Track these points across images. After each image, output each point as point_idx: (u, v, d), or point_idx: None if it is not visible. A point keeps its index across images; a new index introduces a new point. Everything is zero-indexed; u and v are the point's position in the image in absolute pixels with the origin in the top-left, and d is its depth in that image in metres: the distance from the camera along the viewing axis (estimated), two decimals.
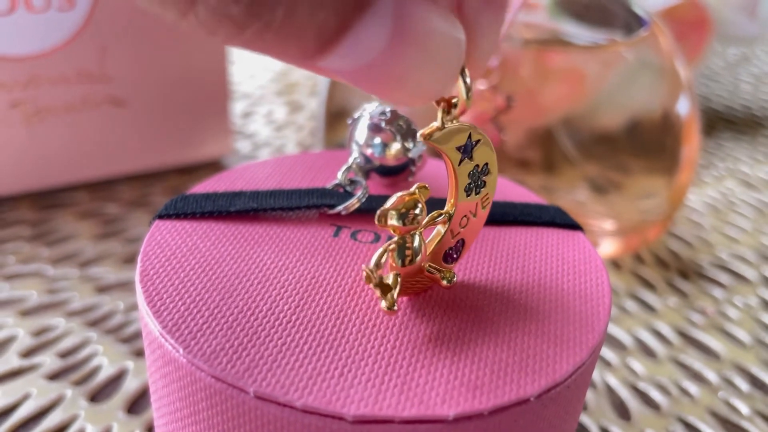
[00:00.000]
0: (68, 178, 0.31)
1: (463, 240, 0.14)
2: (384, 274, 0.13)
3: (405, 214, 0.13)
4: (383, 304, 0.13)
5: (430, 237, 0.14)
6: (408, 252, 0.13)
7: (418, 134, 0.12)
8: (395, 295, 0.13)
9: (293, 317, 0.13)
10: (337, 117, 0.32)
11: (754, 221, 0.35)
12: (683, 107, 0.28)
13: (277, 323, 0.13)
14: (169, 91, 0.31)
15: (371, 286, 0.13)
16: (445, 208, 0.14)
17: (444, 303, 0.14)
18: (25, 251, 0.28)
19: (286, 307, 0.14)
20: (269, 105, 0.44)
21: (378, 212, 0.13)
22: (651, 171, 0.29)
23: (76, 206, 0.31)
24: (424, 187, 0.13)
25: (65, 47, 0.28)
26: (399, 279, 0.13)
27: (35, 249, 0.28)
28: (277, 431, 0.12)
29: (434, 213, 0.14)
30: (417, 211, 0.13)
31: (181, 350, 0.12)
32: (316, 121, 0.33)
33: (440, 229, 0.14)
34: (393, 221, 0.13)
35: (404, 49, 0.09)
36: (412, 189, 0.13)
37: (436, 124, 0.12)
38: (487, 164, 0.14)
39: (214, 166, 0.35)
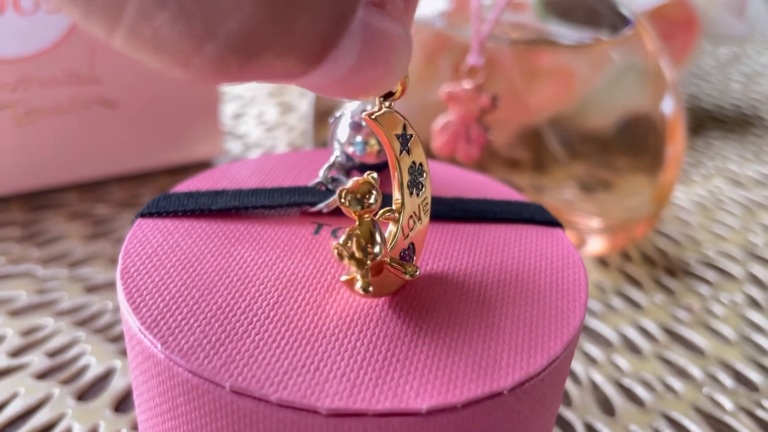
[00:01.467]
0: (58, 179, 0.31)
1: (413, 245, 0.15)
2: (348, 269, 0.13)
3: (361, 199, 0.13)
4: (358, 285, 0.13)
5: (386, 234, 0.14)
6: (369, 249, 0.13)
7: (363, 114, 0.13)
8: (368, 276, 0.13)
9: (271, 313, 0.14)
10: (325, 116, 0.32)
11: (741, 219, 0.35)
12: (668, 106, 0.29)
13: (255, 319, 0.13)
14: (159, 92, 0.31)
15: (345, 261, 0.13)
16: (393, 205, 0.14)
17: (421, 299, 0.14)
18: (15, 252, 0.28)
19: (264, 304, 0.14)
20: (260, 106, 0.44)
21: (339, 192, 0.13)
22: (637, 170, 0.29)
23: (66, 207, 0.31)
24: (373, 174, 0.14)
25: (55, 49, 0.28)
26: (367, 267, 0.13)
27: (25, 250, 0.28)
28: (252, 425, 0.12)
29: (386, 208, 0.14)
30: (372, 196, 0.13)
31: (159, 346, 0.13)
32: (307, 122, 0.33)
33: (392, 227, 0.14)
34: (352, 204, 0.13)
35: (371, 62, 0.10)
36: (366, 174, 0.13)
37: (375, 108, 0.13)
38: (421, 164, 0.14)
39: (204, 167, 0.35)
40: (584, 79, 0.29)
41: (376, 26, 0.10)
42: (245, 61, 0.09)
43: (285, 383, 0.12)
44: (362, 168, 0.18)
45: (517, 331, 0.14)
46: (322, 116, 0.32)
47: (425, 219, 0.15)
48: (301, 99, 0.45)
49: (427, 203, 0.15)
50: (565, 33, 0.29)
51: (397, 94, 0.13)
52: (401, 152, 0.14)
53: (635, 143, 0.29)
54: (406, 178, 0.14)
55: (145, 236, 0.16)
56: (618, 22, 0.29)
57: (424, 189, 0.14)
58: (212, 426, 0.13)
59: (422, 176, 0.14)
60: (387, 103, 0.13)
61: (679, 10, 0.39)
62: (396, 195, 0.14)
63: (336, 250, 0.13)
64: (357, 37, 0.10)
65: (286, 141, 0.39)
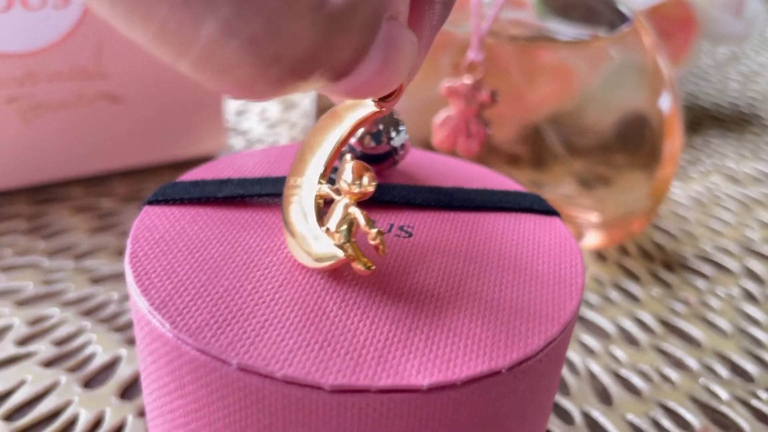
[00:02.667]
0: (63, 173, 0.32)
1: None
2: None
3: (360, 182, 0.14)
4: (360, 265, 0.14)
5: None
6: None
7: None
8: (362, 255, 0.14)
9: (276, 295, 0.14)
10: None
11: (738, 215, 0.36)
12: (665, 103, 0.29)
13: (260, 301, 0.14)
14: (164, 87, 0.32)
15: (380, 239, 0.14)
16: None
17: (421, 282, 0.15)
18: (21, 244, 0.28)
19: (269, 286, 0.14)
20: (263, 103, 0.44)
21: (352, 173, 0.14)
22: (634, 166, 0.30)
23: (71, 200, 0.31)
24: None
25: (61, 44, 0.29)
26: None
27: (31, 242, 0.28)
28: (258, 402, 0.12)
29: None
30: (366, 179, 0.14)
31: (167, 326, 0.13)
32: (309, 119, 0.34)
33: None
34: (364, 186, 0.14)
35: (388, 69, 0.11)
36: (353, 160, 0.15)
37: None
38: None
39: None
40: (583, 77, 0.30)
41: (393, 35, 0.11)
42: (300, 81, 0.10)
43: (290, 361, 0.12)
44: (365, 158, 0.18)
45: (516, 314, 0.14)
46: (324, 113, 0.32)
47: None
48: (303, 96, 0.46)
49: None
50: (564, 30, 0.30)
51: (394, 95, 0.14)
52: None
53: (633, 140, 0.29)
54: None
55: (152, 222, 0.16)
56: (616, 19, 0.30)
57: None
58: (219, 403, 0.13)
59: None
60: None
61: (677, 9, 0.40)
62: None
63: (377, 236, 0.14)
64: (380, 47, 0.11)
65: (289, 137, 0.40)
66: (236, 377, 0.12)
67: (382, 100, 0.14)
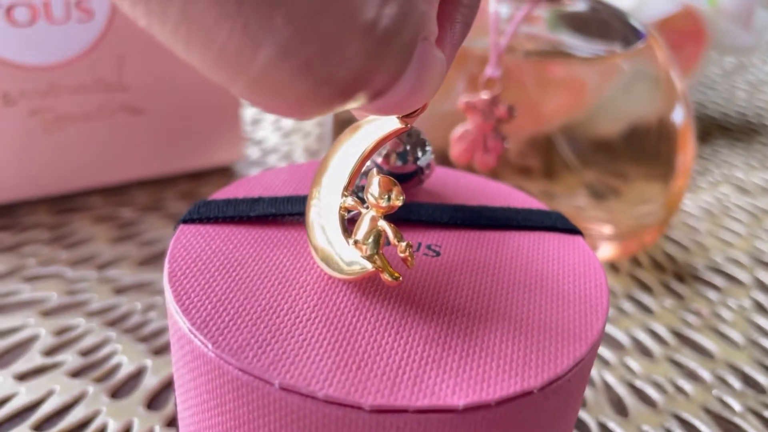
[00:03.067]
0: (84, 183, 0.32)
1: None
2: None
3: (389, 196, 0.15)
4: (386, 275, 0.14)
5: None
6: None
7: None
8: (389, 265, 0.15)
9: (312, 315, 0.14)
10: (344, 124, 0.33)
11: (748, 226, 0.36)
12: (678, 116, 0.29)
13: (297, 321, 0.14)
14: (183, 99, 0.32)
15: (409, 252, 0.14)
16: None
17: (452, 301, 0.15)
18: (44, 254, 0.29)
19: (305, 306, 0.15)
20: None
21: (380, 187, 0.15)
22: (648, 177, 0.30)
23: (92, 210, 0.32)
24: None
25: (84, 57, 0.29)
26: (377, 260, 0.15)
27: (54, 251, 0.29)
28: (299, 420, 0.13)
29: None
30: (394, 193, 0.15)
31: (209, 345, 0.13)
32: (323, 128, 0.34)
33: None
34: (392, 201, 0.15)
35: (421, 88, 0.12)
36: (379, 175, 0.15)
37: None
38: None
39: (224, 172, 0.36)
40: (595, 89, 0.30)
41: (427, 55, 0.11)
42: (346, 100, 0.11)
43: (330, 381, 0.13)
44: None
45: (544, 333, 0.15)
46: (341, 125, 0.33)
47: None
48: None
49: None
50: (579, 45, 0.30)
51: (417, 111, 0.14)
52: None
53: (647, 152, 0.29)
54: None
55: (188, 241, 0.17)
56: (629, 33, 0.30)
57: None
58: (259, 421, 0.13)
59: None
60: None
61: (686, 22, 0.40)
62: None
63: (407, 249, 0.14)
64: (414, 67, 0.11)
65: (303, 146, 0.40)
66: (278, 397, 0.13)
67: (406, 116, 0.15)
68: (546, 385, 0.13)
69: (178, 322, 0.14)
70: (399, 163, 0.18)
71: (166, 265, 0.16)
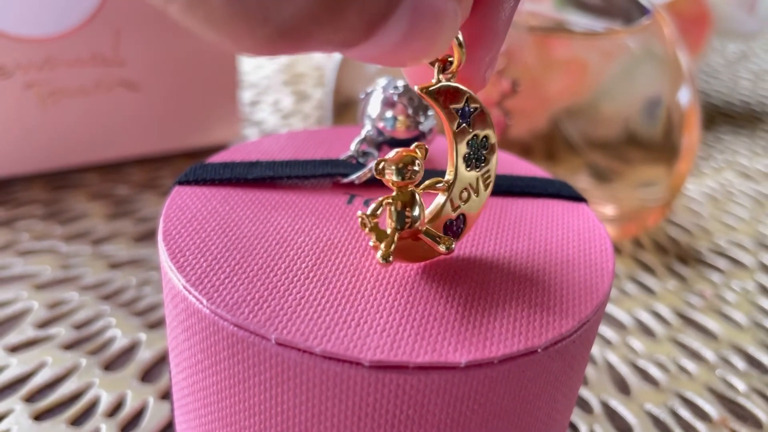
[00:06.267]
0: (80, 159, 0.32)
1: (464, 216, 0.15)
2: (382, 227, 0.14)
3: (403, 169, 0.13)
4: (378, 254, 0.13)
5: (431, 205, 0.15)
6: (407, 215, 0.14)
7: (416, 87, 0.13)
8: (391, 247, 0.13)
9: (310, 274, 0.14)
10: (343, 107, 0.32)
11: (751, 210, 0.36)
12: (684, 97, 0.29)
13: (295, 279, 0.14)
14: (181, 76, 0.32)
15: (366, 231, 0.13)
16: (446, 177, 0.14)
17: (455, 267, 0.15)
18: (38, 229, 0.28)
19: (303, 266, 0.14)
20: (276, 94, 0.44)
21: (378, 162, 0.13)
22: (651, 159, 0.30)
23: (88, 187, 0.31)
24: (424, 147, 0.14)
25: (80, 30, 0.29)
26: (396, 235, 0.14)
27: (48, 227, 0.28)
28: (296, 377, 0.12)
29: (434, 179, 0.14)
30: (415, 167, 0.13)
31: (204, 302, 0.13)
32: (323, 110, 0.34)
33: (440, 197, 0.14)
34: (392, 175, 0.13)
35: (416, 37, 0.11)
36: (412, 146, 0.14)
37: (434, 80, 0.13)
38: (487, 137, 0.14)
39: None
40: (600, 68, 0.30)
41: (422, 3, 0.10)
42: (294, 45, 0.10)
43: (328, 336, 0.12)
44: (392, 142, 0.18)
45: (549, 295, 0.14)
46: (341, 107, 0.32)
47: (484, 193, 0.15)
48: (316, 88, 0.46)
49: (489, 176, 0.15)
50: (583, 22, 0.30)
51: (454, 66, 0.13)
52: (459, 126, 0.14)
53: (651, 132, 0.29)
54: (463, 151, 0.14)
55: (183, 202, 0.16)
56: (634, 11, 0.30)
57: (486, 163, 0.14)
58: (254, 379, 0.13)
59: (485, 149, 0.14)
60: (449, 76, 0.13)
61: (692, 6, 0.40)
62: (449, 167, 0.14)
63: (360, 219, 0.13)
64: (406, 14, 0.10)
65: (302, 128, 0.40)
66: (274, 352, 0.12)
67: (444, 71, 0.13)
68: (550, 345, 0.13)
69: (172, 280, 0.14)
70: (401, 128, 0.18)
71: (161, 224, 0.15)
